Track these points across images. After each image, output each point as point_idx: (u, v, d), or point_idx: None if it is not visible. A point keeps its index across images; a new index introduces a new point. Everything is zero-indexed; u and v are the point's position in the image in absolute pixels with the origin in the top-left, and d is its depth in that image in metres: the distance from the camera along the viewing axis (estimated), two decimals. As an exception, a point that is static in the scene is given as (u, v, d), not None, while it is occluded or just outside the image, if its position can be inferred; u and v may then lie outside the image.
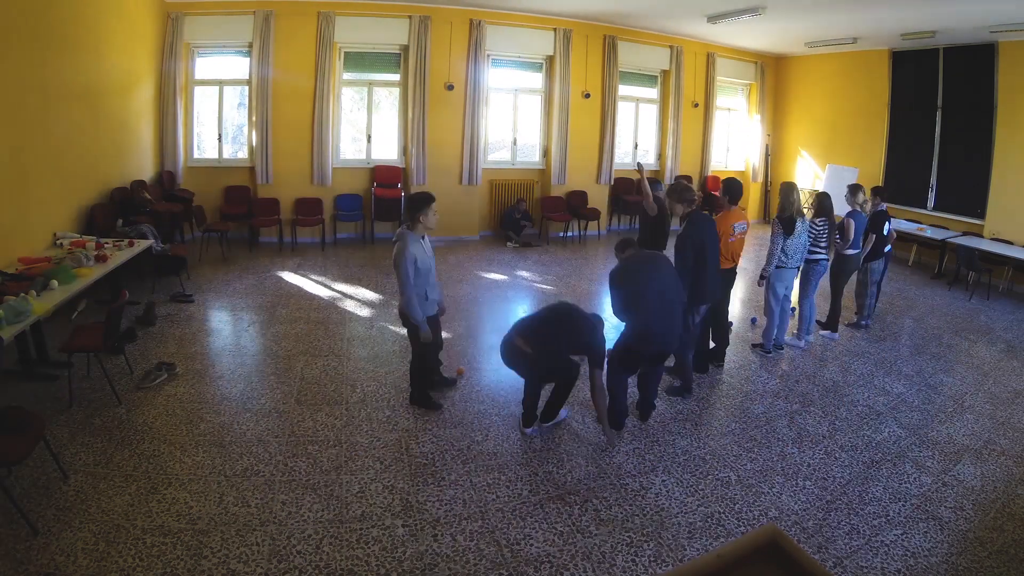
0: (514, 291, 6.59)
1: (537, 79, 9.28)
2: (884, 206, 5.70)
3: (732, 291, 4.79)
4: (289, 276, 6.69)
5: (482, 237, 9.08)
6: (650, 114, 10.26)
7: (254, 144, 7.96)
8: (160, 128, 7.51)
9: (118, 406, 3.73)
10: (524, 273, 7.27)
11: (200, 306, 5.63)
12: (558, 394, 3.66)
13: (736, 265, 4.60)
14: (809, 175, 10.55)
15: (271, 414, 3.76)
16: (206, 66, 8.06)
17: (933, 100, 8.46)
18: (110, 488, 2.95)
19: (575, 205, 9.30)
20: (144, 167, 7.11)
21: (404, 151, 8.66)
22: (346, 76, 8.51)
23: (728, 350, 4.79)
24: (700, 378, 4.57)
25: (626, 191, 9.90)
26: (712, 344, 4.76)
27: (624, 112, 9.94)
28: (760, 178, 11.24)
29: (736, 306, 6.10)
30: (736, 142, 11.29)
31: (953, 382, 4.73)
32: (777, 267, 4.77)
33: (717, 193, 9.72)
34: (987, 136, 7.80)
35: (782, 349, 5.15)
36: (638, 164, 6.08)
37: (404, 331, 4.05)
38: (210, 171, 8.07)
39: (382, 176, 8.49)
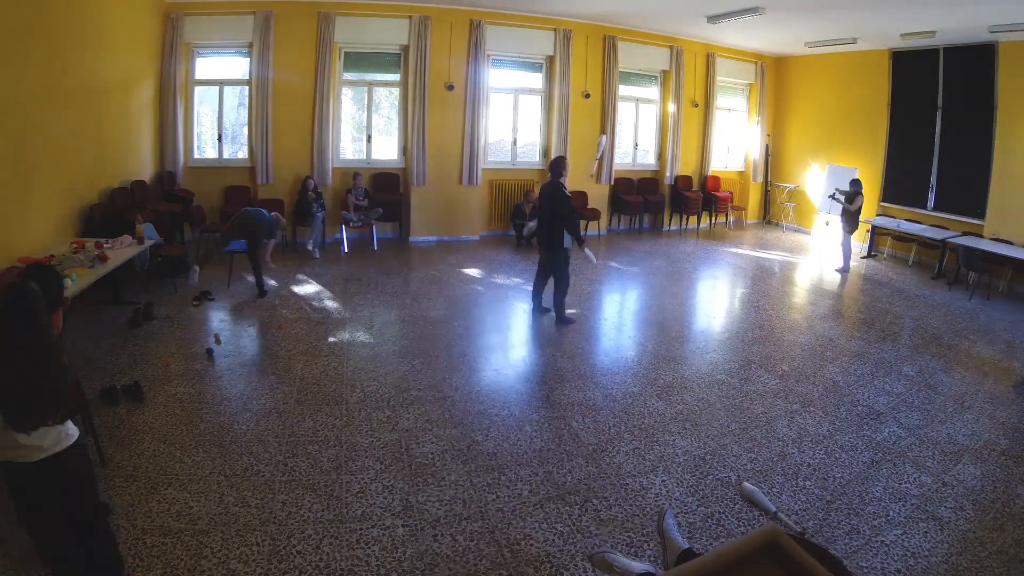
0: (514, 291, 6.59)
1: (537, 79, 9.28)
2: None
3: None
4: (289, 276, 6.69)
5: (482, 238, 9.08)
6: (650, 114, 10.25)
7: (254, 144, 7.96)
8: (160, 128, 7.52)
9: (118, 406, 3.73)
10: (525, 274, 7.26)
11: (200, 306, 5.63)
12: None
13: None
14: (809, 175, 10.55)
15: (271, 414, 3.76)
16: (206, 66, 8.06)
17: (933, 100, 8.46)
18: (110, 488, 2.94)
19: (575, 205, 9.28)
20: (144, 167, 7.11)
21: (404, 151, 8.66)
22: (346, 76, 8.51)
23: (728, 350, 4.77)
24: (700, 377, 4.58)
25: (626, 191, 9.91)
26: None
27: (624, 112, 9.95)
28: (760, 178, 11.24)
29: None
30: (736, 142, 11.28)
31: (953, 382, 4.73)
32: None
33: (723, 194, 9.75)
34: (987, 136, 7.79)
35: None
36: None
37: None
38: (210, 171, 8.07)
39: (382, 176, 8.48)
